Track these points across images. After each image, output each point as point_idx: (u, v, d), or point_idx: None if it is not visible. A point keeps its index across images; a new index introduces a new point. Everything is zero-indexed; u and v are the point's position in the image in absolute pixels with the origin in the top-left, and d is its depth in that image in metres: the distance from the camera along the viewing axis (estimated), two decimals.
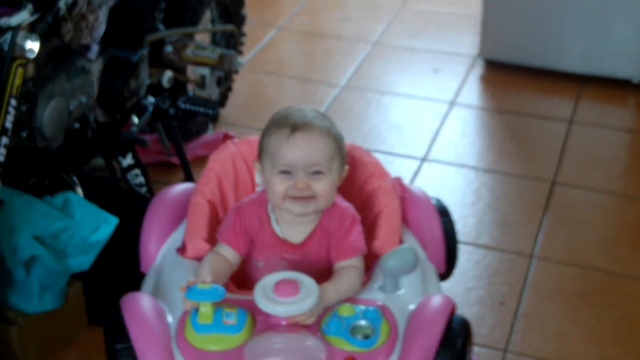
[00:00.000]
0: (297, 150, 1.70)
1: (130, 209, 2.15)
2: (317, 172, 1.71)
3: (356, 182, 1.97)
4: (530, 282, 2.60)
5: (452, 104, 3.47)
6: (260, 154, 1.76)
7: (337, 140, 1.75)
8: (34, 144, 2.20)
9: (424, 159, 3.13)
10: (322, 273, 1.76)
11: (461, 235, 2.74)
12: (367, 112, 3.42)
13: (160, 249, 1.94)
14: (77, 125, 2.39)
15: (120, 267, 2.07)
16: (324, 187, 1.71)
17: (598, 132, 3.31)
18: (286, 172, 1.70)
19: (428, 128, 3.32)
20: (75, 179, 2.37)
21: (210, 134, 3.15)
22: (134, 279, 1.93)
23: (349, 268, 1.75)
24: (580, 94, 3.52)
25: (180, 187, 2.08)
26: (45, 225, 2.20)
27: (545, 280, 2.62)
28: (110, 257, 2.26)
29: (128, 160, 2.51)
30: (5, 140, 1.98)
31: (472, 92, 3.55)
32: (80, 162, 2.45)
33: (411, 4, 4.27)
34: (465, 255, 2.68)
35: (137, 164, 2.53)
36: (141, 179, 2.53)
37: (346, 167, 1.80)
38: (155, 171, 2.84)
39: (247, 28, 3.38)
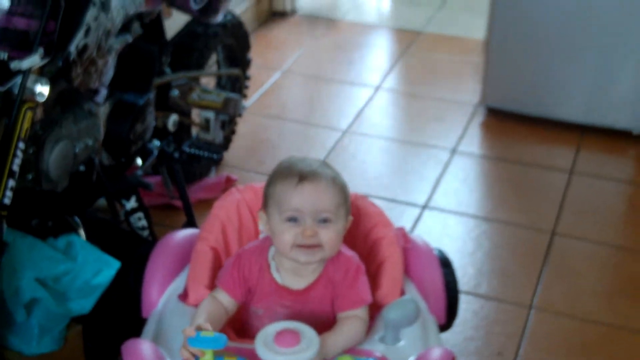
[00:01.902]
0: (305, 197, 1.71)
1: (133, 253, 2.17)
2: (325, 220, 1.72)
3: (360, 231, 1.98)
4: (528, 333, 2.61)
5: (454, 151, 3.49)
6: (266, 203, 1.77)
7: (342, 189, 1.76)
8: (40, 186, 2.21)
9: (425, 207, 3.14)
10: (324, 322, 1.76)
11: (460, 284, 2.74)
12: (369, 158, 3.44)
13: (162, 295, 1.94)
14: (82, 167, 2.41)
15: (120, 312, 2.07)
16: (331, 234, 1.72)
17: (598, 183, 3.33)
18: (293, 219, 1.71)
19: (429, 175, 3.33)
20: (78, 220, 2.38)
21: (212, 177, 3.17)
22: (134, 324, 1.93)
23: (353, 318, 1.75)
24: (581, 144, 3.54)
25: (184, 233, 2.09)
26: (48, 268, 2.20)
27: (544, 331, 2.62)
28: (111, 300, 2.26)
29: (132, 203, 2.52)
30: (12, 183, 1.99)
31: (474, 139, 3.58)
32: (84, 205, 2.46)
33: (414, 50, 4.31)
34: (464, 305, 2.68)
35: (141, 207, 2.54)
36: (144, 222, 2.54)
37: (350, 218, 1.81)
38: (157, 214, 2.85)
39: (251, 70, 3.41)
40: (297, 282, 1.78)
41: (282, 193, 1.72)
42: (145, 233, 2.54)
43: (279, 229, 1.72)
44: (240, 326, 1.84)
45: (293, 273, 1.78)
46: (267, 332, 1.63)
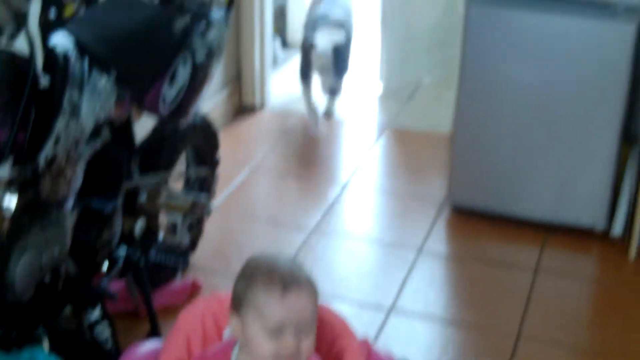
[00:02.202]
0: (290, 309, 1.71)
1: None
2: (304, 331, 1.73)
3: (324, 341, 1.96)
4: None
5: (420, 251, 3.52)
6: (239, 307, 1.75)
7: (317, 293, 1.78)
8: (4, 298, 2.20)
9: (391, 309, 3.15)
10: None
11: None
12: (336, 258, 3.46)
13: None
14: (47, 277, 2.40)
15: None
16: (309, 344, 1.75)
17: (563, 281, 3.36)
18: (276, 331, 1.71)
19: (396, 276, 3.35)
20: (42, 331, 2.36)
21: (178, 283, 3.15)
22: None
23: None
24: (546, 242, 3.58)
25: (148, 347, 2.06)
26: None
27: None
28: None
29: (96, 314, 2.51)
30: None
31: (440, 238, 3.61)
32: (49, 316, 2.44)
33: (382, 145, 4.37)
34: None
35: (105, 316, 2.53)
36: (107, 334, 2.52)
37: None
38: (122, 321, 2.82)
39: (220, 166, 3.41)
40: None
41: (266, 304, 1.71)
42: (109, 345, 2.52)
43: (258, 339, 1.72)
44: None
45: None
46: None
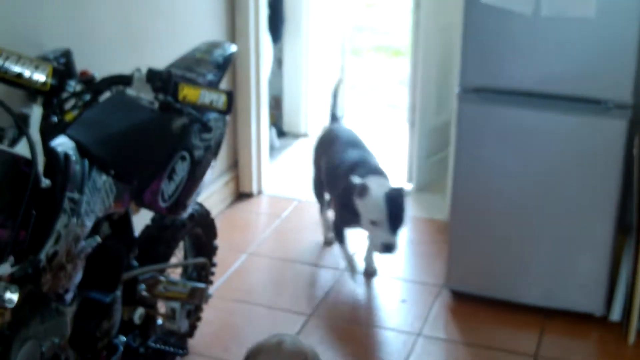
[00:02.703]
0: None
1: None
2: None
3: None
4: None
5: (419, 335, 3.51)
6: None
7: None
8: None
9: None
10: None
11: None
12: (336, 343, 3.45)
13: None
14: None
15: None
16: None
17: None
18: None
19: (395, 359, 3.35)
20: None
21: None
22: None
23: None
24: (544, 327, 3.58)
25: None
26: None
27: None
28: None
29: None
30: None
31: (439, 322, 3.60)
32: None
33: None
34: None
35: None
36: None
37: None
38: None
39: (218, 253, 3.43)
40: None
41: None
42: None
43: None
44: None
45: None
46: None
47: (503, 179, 3.56)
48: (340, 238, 3.93)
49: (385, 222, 3.57)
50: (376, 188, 3.60)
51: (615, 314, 3.58)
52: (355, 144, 4.00)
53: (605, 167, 3.41)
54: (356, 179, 3.64)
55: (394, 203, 3.59)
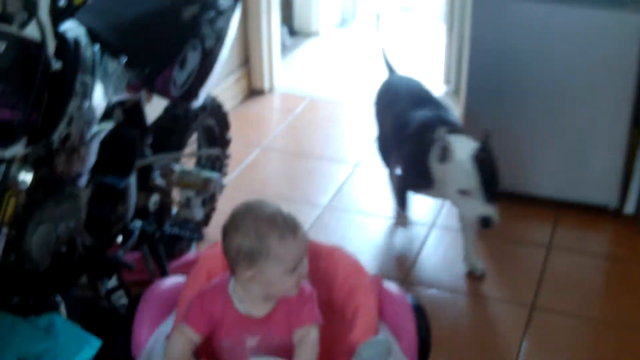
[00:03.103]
0: (302, 246, 1.88)
1: (113, 331, 2.21)
2: (306, 253, 1.90)
3: (337, 279, 2.12)
4: None
5: (432, 226, 3.52)
6: (255, 261, 1.85)
7: None
8: (22, 267, 2.22)
9: (404, 282, 3.16)
10: (287, 348, 1.92)
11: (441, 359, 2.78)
12: (349, 234, 3.47)
13: (151, 335, 2.08)
14: (64, 248, 2.42)
15: None
16: (307, 265, 1.91)
17: (576, 258, 3.37)
18: (294, 268, 1.86)
19: (409, 250, 3.36)
20: (59, 298, 2.38)
21: (193, 253, 3.18)
22: None
23: (304, 339, 1.91)
24: (558, 219, 3.58)
25: (172, 281, 2.24)
26: (29, 347, 2.21)
27: None
28: None
29: (112, 282, 2.54)
30: None
31: (452, 214, 3.60)
32: (66, 284, 2.47)
33: None
34: None
35: (121, 285, 2.55)
36: (125, 301, 2.55)
37: None
38: (138, 290, 2.84)
39: (231, 147, 3.44)
40: (259, 310, 1.92)
41: (284, 251, 1.84)
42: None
43: (282, 279, 1.86)
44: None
45: (254, 302, 1.92)
46: None
47: (518, 72, 3.52)
48: (402, 202, 3.37)
49: (479, 191, 2.93)
50: (461, 149, 2.94)
51: (630, 207, 3.58)
52: (424, 96, 3.36)
53: (622, 62, 3.37)
54: (435, 138, 2.99)
55: (486, 166, 2.94)
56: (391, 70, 3.66)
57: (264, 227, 1.84)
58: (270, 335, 1.93)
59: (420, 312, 2.18)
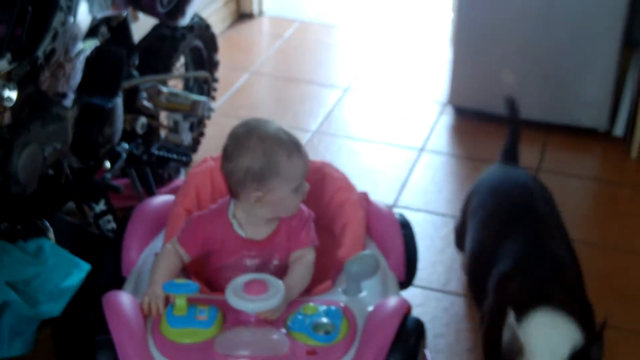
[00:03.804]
0: (307, 163, 1.89)
1: (101, 255, 2.21)
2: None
3: (325, 195, 2.16)
4: None
5: (422, 150, 3.52)
6: (262, 180, 1.83)
7: None
8: (8, 190, 2.21)
9: (393, 206, 3.17)
10: (286, 267, 1.94)
11: (430, 282, 2.80)
12: (338, 158, 3.46)
13: (140, 254, 2.09)
14: (51, 171, 2.41)
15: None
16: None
17: (565, 180, 3.37)
18: (299, 186, 1.87)
19: (397, 175, 3.36)
20: (47, 224, 2.38)
21: (182, 179, 3.17)
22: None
23: (302, 259, 1.92)
24: (547, 142, 3.58)
25: (161, 199, 2.24)
26: (18, 272, 2.20)
27: None
28: (81, 303, 2.27)
29: (100, 206, 2.53)
30: None
31: (441, 139, 3.61)
32: (53, 208, 2.46)
33: (382, 51, 4.34)
34: (434, 302, 2.72)
35: (110, 210, 2.55)
36: (113, 225, 2.55)
37: None
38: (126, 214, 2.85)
39: (219, 72, 3.42)
40: (260, 233, 1.93)
41: (293, 167, 1.85)
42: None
43: (287, 198, 1.87)
44: (207, 282, 1.97)
45: (255, 225, 1.92)
46: (237, 283, 1.78)
47: None
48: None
49: None
50: (544, 350, 1.90)
51: (619, 129, 3.58)
52: (526, 213, 2.38)
53: None
54: (509, 323, 1.93)
55: None
56: (509, 157, 2.77)
57: (271, 146, 1.83)
58: (270, 257, 1.94)
59: (407, 228, 2.20)
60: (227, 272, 1.93)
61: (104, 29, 2.53)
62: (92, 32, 2.43)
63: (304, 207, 1.96)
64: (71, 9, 2.20)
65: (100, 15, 2.43)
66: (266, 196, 1.85)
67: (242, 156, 1.82)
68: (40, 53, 2.14)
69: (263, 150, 1.82)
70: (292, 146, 1.85)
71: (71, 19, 2.21)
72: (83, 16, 2.30)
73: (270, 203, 1.86)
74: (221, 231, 1.92)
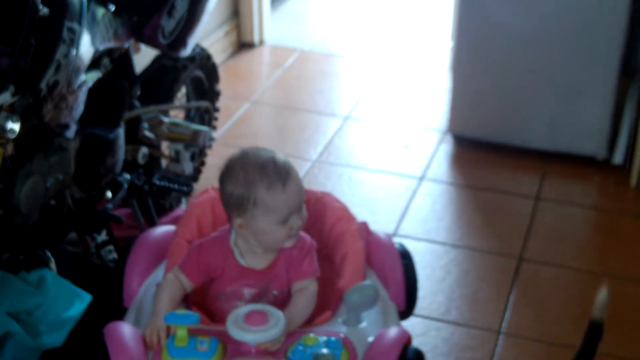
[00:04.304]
0: (293, 197, 1.87)
1: (103, 285, 2.22)
2: (302, 208, 1.91)
3: (325, 225, 2.15)
4: (497, 359, 2.64)
5: (421, 179, 3.54)
6: (244, 209, 1.86)
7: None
8: (11, 220, 2.23)
9: (393, 235, 3.18)
10: (285, 300, 1.94)
11: (430, 311, 2.81)
12: (339, 187, 3.48)
13: (142, 285, 2.08)
14: (53, 201, 2.42)
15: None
16: (304, 218, 1.93)
17: (564, 208, 3.38)
18: (285, 220, 1.86)
19: (398, 203, 3.37)
20: (49, 254, 2.39)
21: (183, 208, 3.19)
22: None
23: (304, 290, 1.93)
24: (546, 170, 3.59)
25: (163, 229, 2.23)
26: (20, 302, 2.22)
27: (513, 356, 2.66)
28: (82, 333, 2.28)
29: (102, 236, 2.55)
30: None
31: (441, 167, 3.62)
32: (55, 239, 2.47)
33: (382, 80, 4.36)
34: (434, 332, 2.73)
35: (111, 240, 2.56)
36: (114, 255, 2.56)
37: None
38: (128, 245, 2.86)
39: (221, 101, 3.44)
40: (260, 262, 1.94)
41: (273, 199, 1.84)
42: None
43: (272, 230, 1.87)
44: (207, 311, 1.97)
45: (254, 254, 1.93)
46: (238, 314, 1.79)
47: (505, 22, 3.50)
48: None
49: None
50: None
51: (618, 157, 3.59)
52: None
53: (610, 7, 3.36)
54: None
55: None
56: None
57: (252, 175, 1.85)
58: (268, 287, 1.94)
59: (407, 258, 2.21)
60: (225, 299, 1.94)
61: (106, 61, 2.56)
62: (94, 63, 2.45)
63: (306, 237, 1.97)
64: (74, 41, 2.23)
65: (102, 47, 2.46)
66: (248, 224, 1.87)
67: (228, 182, 1.88)
68: (43, 85, 2.16)
69: (244, 179, 1.85)
70: (276, 178, 1.84)
71: (74, 51, 2.24)
72: (86, 48, 2.32)
73: (254, 232, 1.88)
74: (222, 258, 1.94)
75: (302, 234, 1.97)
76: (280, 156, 1.91)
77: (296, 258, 1.94)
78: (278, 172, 1.85)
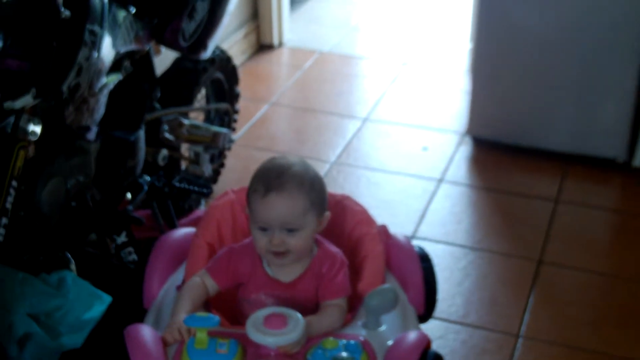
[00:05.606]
0: (271, 211, 1.86)
1: (123, 286, 2.23)
2: (291, 230, 1.87)
3: (345, 228, 2.15)
4: None
5: (441, 181, 3.53)
6: (248, 206, 1.92)
7: (310, 192, 1.89)
8: (32, 222, 2.24)
9: (411, 237, 3.18)
10: (308, 310, 1.91)
11: (449, 314, 2.81)
12: (357, 189, 3.48)
13: (162, 287, 2.10)
14: (73, 203, 2.44)
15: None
16: (297, 242, 1.88)
17: (583, 211, 3.37)
18: (263, 229, 1.87)
19: (416, 205, 3.37)
20: (69, 255, 2.40)
21: (202, 209, 3.20)
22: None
23: (334, 306, 1.92)
24: (566, 173, 3.58)
25: (182, 231, 2.24)
26: (40, 303, 2.23)
27: (532, 359, 2.65)
28: (102, 334, 2.29)
29: (122, 238, 2.56)
30: (4, 220, 2.03)
31: (460, 169, 3.62)
32: (76, 240, 2.49)
33: (401, 82, 4.36)
34: (452, 335, 2.72)
35: (131, 241, 2.57)
36: (134, 257, 2.57)
37: (327, 214, 1.96)
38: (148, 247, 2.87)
39: (240, 103, 3.45)
40: (287, 275, 1.94)
41: (253, 204, 1.88)
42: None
43: (255, 234, 1.90)
44: (229, 314, 1.98)
45: (282, 266, 1.93)
46: (257, 317, 1.80)
47: (525, 23, 3.49)
48: None
49: None
50: None
51: (638, 160, 3.57)
52: None
53: (631, 8, 3.34)
54: None
55: None
56: None
57: (258, 179, 1.89)
58: (291, 300, 1.93)
59: (427, 261, 2.21)
60: (248, 307, 1.94)
61: (127, 63, 2.57)
62: (115, 66, 2.46)
63: (338, 253, 1.96)
64: (95, 44, 2.24)
65: (123, 49, 2.47)
66: (249, 223, 1.92)
67: None
68: (64, 88, 2.17)
69: (252, 179, 1.91)
70: (264, 184, 1.85)
71: (95, 54, 2.25)
72: (107, 51, 2.33)
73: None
74: (251, 265, 1.94)
75: (333, 249, 1.97)
76: (298, 170, 1.88)
77: (327, 275, 1.93)
78: (269, 181, 1.85)
